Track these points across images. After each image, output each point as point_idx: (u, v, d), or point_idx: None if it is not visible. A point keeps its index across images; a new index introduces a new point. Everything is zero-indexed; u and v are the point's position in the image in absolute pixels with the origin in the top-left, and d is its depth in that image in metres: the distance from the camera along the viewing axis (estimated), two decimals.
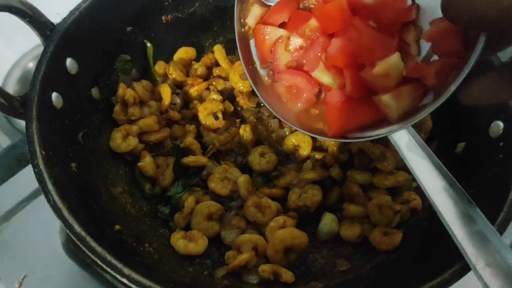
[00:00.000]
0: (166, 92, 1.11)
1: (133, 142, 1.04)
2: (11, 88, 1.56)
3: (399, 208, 0.98)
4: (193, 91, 1.15)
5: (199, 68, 1.19)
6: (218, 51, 1.20)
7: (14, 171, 1.23)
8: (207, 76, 1.21)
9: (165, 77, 1.18)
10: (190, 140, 1.07)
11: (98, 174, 0.98)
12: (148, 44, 1.17)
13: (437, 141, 1.08)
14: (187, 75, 1.21)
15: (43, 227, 1.13)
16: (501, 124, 0.93)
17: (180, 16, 1.20)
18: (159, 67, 1.18)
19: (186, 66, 1.21)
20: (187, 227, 0.99)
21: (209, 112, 1.11)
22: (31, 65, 1.61)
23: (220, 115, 1.11)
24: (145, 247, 0.91)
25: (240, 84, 1.15)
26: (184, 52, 1.21)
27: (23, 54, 1.64)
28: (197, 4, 1.21)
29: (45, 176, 0.80)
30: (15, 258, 1.08)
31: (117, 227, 0.89)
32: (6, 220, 1.14)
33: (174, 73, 1.16)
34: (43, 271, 1.07)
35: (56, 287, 1.06)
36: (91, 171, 0.96)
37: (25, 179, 1.21)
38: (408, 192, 1.02)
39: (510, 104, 0.93)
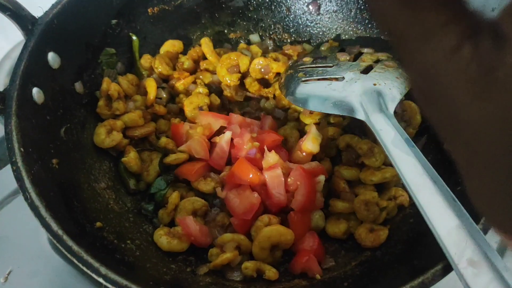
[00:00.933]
0: (151, 86, 1.10)
1: (117, 137, 1.02)
2: (2, 80, 1.54)
3: (385, 204, 0.97)
4: (180, 85, 1.14)
5: (186, 62, 1.18)
6: (205, 44, 1.18)
7: (4, 163, 1.21)
8: (194, 70, 1.20)
9: (151, 71, 1.17)
10: (164, 140, 1.06)
11: (81, 170, 0.97)
12: (134, 38, 1.16)
13: (426, 135, 1.07)
14: (174, 69, 1.19)
15: (29, 222, 1.11)
16: None
17: (167, 8, 1.19)
18: (145, 60, 1.17)
19: (173, 60, 1.20)
20: (171, 224, 0.99)
21: (195, 106, 1.09)
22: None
23: (205, 108, 1.10)
24: (127, 244, 0.90)
25: (227, 77, 1.13)
26: (170, 45, 1.19)
27: (14, 45, 1.62)
28: None
29: (23, 174, 0.79)
30: (1, 253, 1.08)
31: (98, 224, 0.88)
32: None
33: (160, 67, 1.15)
34: (29, 266, 1.07)
35: (42, 282, 1.05)
36: (73, 167, 0.95)
37: (11, 173, 1.21)
38: (396, 188, 1.00)
39: None
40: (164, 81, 1.17)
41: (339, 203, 0.99)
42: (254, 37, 1.27)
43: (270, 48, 1.25)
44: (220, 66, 1.14)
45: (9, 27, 1.62)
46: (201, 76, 1.17)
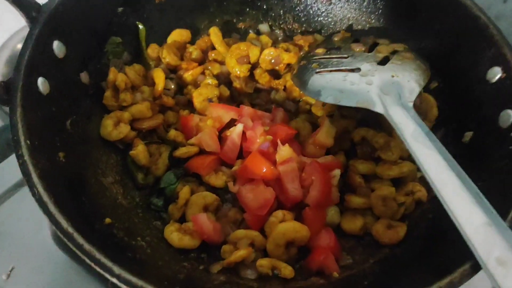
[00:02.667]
0: (159, 77, 1.06)
1: (124, 129, 0.99)
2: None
3: (403, 200, 0.94)
4: (188, 75, 1.10)
5: (194, 52, 1.14)
6: (214, 34, 1.14)
7: (4, 156, 1.17)
8: (203, 60, 1.16)
9: (158, 61, 1.13)
10: (173, 133, 1.02)
11: (88, 164, 0.93)
12: (141, 26, 1.12)
13: (443, 129, 1.04)
14: (182, 59, 1.15)
15: (32, 216, 1.09)
16: (511, 113, 0.89)
17: None
18: (152, 50, 1.13)
19: (181, 49, 1.16)
20: (182, 219, 0.95)
21: (204, 98, 1.06)
22: (20, 46, 1.54)
23: (215, 100, 1.06)
24: (137, 241, 0.87)
25: (237, 68, 1.10)
26: (178, 35, 1.15)
27: (11, 34, 1.57)
28: None
29: (30, 167, 0.76)
30: (2, 249, 1.05)
31: (107, 220, 0.85)
32: None
33: (168, 57, 1.11)
34: (32, 263, 1.03)
35: (45, 278, 1.02)
36: (80, 161, 0.91)
37: (14, 165, 1.16)
38: (413, 183, 0.98)
39: None
40: (171, 71, 1.13)
41: (355, 199, 0.96)
42: (264, 27, 1.23)
43: (280, 38, 1.22)
44: (229, 57, 1.10)
45: (5, 16, 1.57)
46: (209, 67, 1.13)
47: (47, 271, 1.03)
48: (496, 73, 0.93)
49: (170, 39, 1.15)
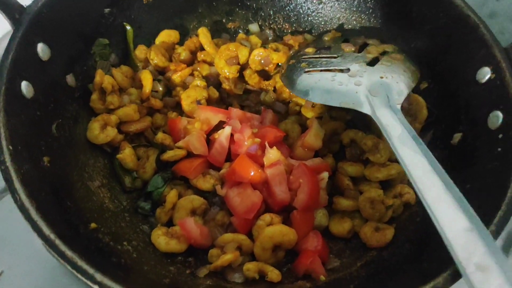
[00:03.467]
0: (147, 79, 1.05)
1: (111, 132, 0.98)
2: None
3: (391, 202, 0.94)
4: (176, 77, 1.09)
5: (182, 53, 1.13)
6: (203, 35, 1.13)
7: None
8: (191, 61, 1.15)
9: (146, 62, 1.12)
10: (161, 135, 1.01)
11: (74, 168, 0.93)
12: (128, 27, 1.11)
13: (433, 130, 1.03)
14: (170, 60, 1.14)
15: (21, 220, 1.07)
16: (500, 114, 0.88)
17: None
18: (140, 51, 1.11)
19: (169, 50, 1.15)
20: (169, 223, 0.95)
21: (192, 100, 1.05)
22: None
23: (203, 102, 1.05)
24: (123, 246, 0.86)
25: (226, 69, 1.09)
26: (166, 35, 1.14)
27: (2, 35, 1.56)
28: None
29: (12, 173, 0.75)
30: None
31: (92, 225, 0.84)
32: None
33: (156, 58, 1.10)
34: (21, 267, 1.03)
35: (35, 283, 1.02)
36: (66, 165, 0.90)
37: None
38: (401, 185, 0.97)
39: (510, 93, 0.88)
40: (160, 73, 1.12)
41: (343, 201, 0.96)
42: (254, 27, 1.22)
43: (270, 38, 1.21)
44: (218, 58, 1.09)
45: None
46: (198, 68, 1.12)
47: (36, 274, 1.02)
48: (485, 74, 0.93)
49: (158, 40, 1.14)
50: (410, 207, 0.96)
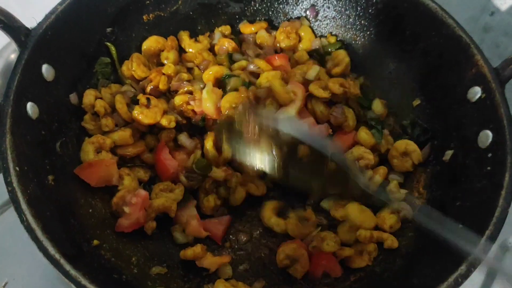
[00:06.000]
0: (119, 102, 1.02)
1: (106, 157, 0.99)
2: None
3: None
4: (177, 100, 1.06)
5: (168, 54, 1.12)
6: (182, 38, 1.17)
7: None
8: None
9: (132, 78, 1.11)
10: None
11: (77, 185, 0.95)
12: (110, 45, 1.10)
13: (430, 143, 1.06)
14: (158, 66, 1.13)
15: (25, 231, 1.11)
16: (490, 134, 0.91)
17: (162, 14, 1.16)
18: (127, 67, 1.10)
19: (153, 57, 1.14)
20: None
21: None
22: (13, 56, 1.55)
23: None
24: (125, 261, 0.89)
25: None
26: (154, 41, 1.13)
27: (5, 44, 1.59)
28: (180, 2, 1.16)
29: (19, 194, 0.78)
30: None
31: (95, 242, 0.88)
32: None
33: (138, 69, 1.08)
34: (25, 278, 1.04)
35: None
36: (69, 182, 0.93)
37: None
38: (399, 202, 1.00)
39: (500, 113, 0.90)
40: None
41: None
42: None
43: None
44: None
45: None
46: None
47: (40, 285, 1.05)
48: (476, 93, 0.95)
49: (146, 45, 1.13)
50: (403, 222, 0.98)
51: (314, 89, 1.05)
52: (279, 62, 1.13)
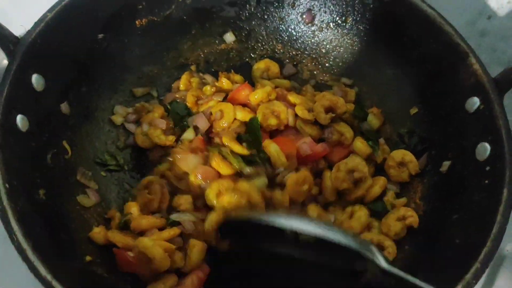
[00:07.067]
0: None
1: None
2: None
3: None
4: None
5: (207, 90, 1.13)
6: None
7: None
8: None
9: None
10: None
11: (69, 197, 0.94)
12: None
13: (427, 153, 1.05)
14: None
15: None
16: (488, 146, 0.90)
17: (156, 19, 1.13)
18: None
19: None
20: None
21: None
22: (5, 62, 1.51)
23: None
24: (118, 276, 0.88)
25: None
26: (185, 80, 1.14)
27: None
28: (173, 6, 1.13)
29: (9, 214, 0.75)
30: None
31: (87, 258, 0.86)
32: None
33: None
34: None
35: None
36: (61, 196, 0.92)
37: None
38: (405, 208, 0.99)
39: (498, 125, 0.89)
40: None
41: None
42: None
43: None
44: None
45: None
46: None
47: None
48: (474, 104, 0.94)
49: (179, 86, 1.15)
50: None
51: (300, 109, 1.03)
52: None
